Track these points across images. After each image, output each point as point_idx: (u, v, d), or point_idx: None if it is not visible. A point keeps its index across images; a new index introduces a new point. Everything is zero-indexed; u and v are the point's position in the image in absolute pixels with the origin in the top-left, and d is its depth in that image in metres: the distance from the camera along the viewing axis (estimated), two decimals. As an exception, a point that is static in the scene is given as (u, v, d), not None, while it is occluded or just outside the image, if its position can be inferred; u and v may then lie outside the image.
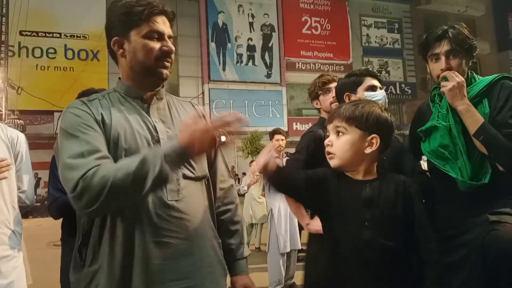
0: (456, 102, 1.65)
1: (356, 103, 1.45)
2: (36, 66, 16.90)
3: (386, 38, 22.87)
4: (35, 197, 2.27)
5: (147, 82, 1.33)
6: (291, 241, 4.55)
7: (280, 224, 4.52)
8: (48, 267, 3.71)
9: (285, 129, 17.35)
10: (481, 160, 1.63)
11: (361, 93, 1.91)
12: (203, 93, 18.97)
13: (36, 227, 9.89)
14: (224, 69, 19.49)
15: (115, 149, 1.21)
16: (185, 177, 1.29)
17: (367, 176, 1.43)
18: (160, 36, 1.30)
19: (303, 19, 20.98)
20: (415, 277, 1.36)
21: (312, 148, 2.05)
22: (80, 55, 17.61)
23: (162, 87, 1.38)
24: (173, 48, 1.32)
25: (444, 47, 1.71)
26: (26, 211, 2.24)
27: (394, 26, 23.06)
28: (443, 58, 1.72)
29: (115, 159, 1.19)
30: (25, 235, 2.25)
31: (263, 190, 6.23)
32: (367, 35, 22.65)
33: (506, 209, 1.54)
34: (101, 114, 1.24)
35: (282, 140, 4.71)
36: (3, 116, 12.68)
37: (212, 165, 1.47)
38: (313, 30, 21.10)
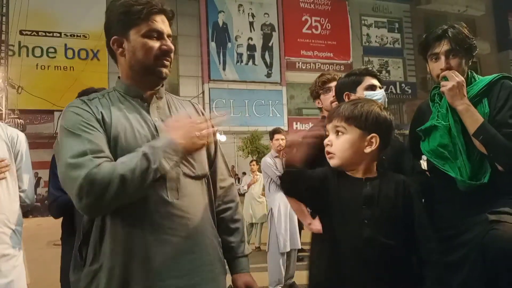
0: (456, 102, 1.65)
1: (355, 102, 1.45)
2: (36, 65, 16.91)
3: (387, 38, 22.86)
4: (35, 196, 2.28)
5: (146, 81, 1.33)
6: (291, 241, 4.55)
7: (280, 223, 4.52)
8: (48, 267, 3.71)
9: (285, 128, 17.38)
10: (481, 159, 1.63)
11: (361, 92, 1.91)
12: (203, 92, 18.97)
13: (36, 227, 9.90)
14: (224, 69, 19.49)
15: (115, 148, 1.21)
16: (185, 175, 1.29)
17: (367, 175, 1.43)
18: (159, 35, 1.30)
19: (303, 18, 20.98)
20: (415, 277, 1.36)
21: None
22: (80, 54, 17.62)
23: (162, 86, 1.38)
24: (173, 47, 1.32)
25: (444, 46, 1.71)
26: (26, 210, 2.25)
27: (395, 25, 23.05)
28: (443, 58, 1.72)
29: (115, 158, 1.19)
30: (25, 235, 2.25)
31: (263, 189, 6.23)
32: (367, 34, 22.64)
33: (505, 209, 1.54)
34: (101, 113, 1.24)
35: (282, 139, 4.70)
36: (3, 116, 12.69)
37: (212, 164, 1.47)
38: (313, 30, 21.10)
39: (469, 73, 1.77)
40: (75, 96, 1.97)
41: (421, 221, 1.40)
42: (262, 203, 6.77)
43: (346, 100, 1.91)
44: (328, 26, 21.29)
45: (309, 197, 1.50)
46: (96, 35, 15.50)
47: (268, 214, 4.78)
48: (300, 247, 4.82)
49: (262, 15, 20.40)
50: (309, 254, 1.77)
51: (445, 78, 1.69)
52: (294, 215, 4.61)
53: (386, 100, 1.90)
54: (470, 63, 1.77)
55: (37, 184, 13.96)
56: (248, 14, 20.26)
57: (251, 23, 20.26)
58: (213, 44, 19.45)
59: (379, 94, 1.89)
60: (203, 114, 1.50)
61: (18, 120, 13.20)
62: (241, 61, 19.85)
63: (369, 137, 1.39)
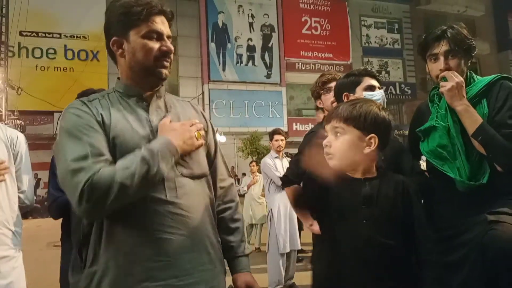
0: (455, 102, 1.65)
1: (354, 102, 1.45)
2: (36, 66, 16.91)
3: (386, 39, 22.88)
4: (34, 197, 2.27)
5: (146, 82, 1.33)
6: (291, 242, 4.55)
7: (280, 224, 4.52)
8: (48, 268, 3.71)
9: (285, 129, 17.38)
10: (480, 160, 1.63)
11: (360, 93, 1.91)
12: (203, 93, 18.98)
13: (36, 228, 9.90)
14: (224, 70, 19.49)
15: (115, 149, 1.21)
16: (184, 175, 1.30)
17: (366, 175, 1.43)
18: (159, 36, 1.30)
19: (303, 19, 20.99)
20: (415, 277, 1.36)
21: None
22: (80, 55, 17.62)
23: (162, 86, 1.39)
24: (172, 48, 1.33)
25: (443, 47, 1.72)
26: (26, 211, 2.25)
27: (394, 26, 23.06)
28: (442, 58, 1.72)
29: (115, 158, 1.19)
30: (25, 236, 2.25)
31: (263, 190, 6.23)
32: (367, 35, 22.65)
33: (504, 209, 1.54)
34: (101, 114, 1.24)
35: (281, 140, 4.71)
36: (3, 117, 12.68)
37: (211, 164, 1.47)
38: (313, 31, 21.11)
39: (468, 73, 1.77)
40: (75, 97, 1.97)
41: (420, 221, 1.40)
42: (262, 204, 6.77)
43: (345, 100, 1.91)
44: (328, 27, 21.30)
45: (309, 198, 1.51)
46: (96, 36, 15.51)
47: (267, 215, 4.77)
48: (300, 248, 4.83)
49: (261, 15, 20.41)
50: (311, 254, 1.78)
51: (444, 79, 1.69)
52: (294, 216, 4.61)
53: (385, 100, 1.90)
54: (469, 64, 1.77)
55: (36, 185, 13.94)
56: (248, 14, 20.27)
57: (250, 24, 20.26)
58: (212, 45, 19.46)
59: (378, 95, 1.89)
60: (202, 114, 1.51)
61: (17, 121, 13.19)
62: (241, 62, 19.86)
63: (368, 137, 1.39)
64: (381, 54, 22.66)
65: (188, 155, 1.29)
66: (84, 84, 12.18)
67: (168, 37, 1.33)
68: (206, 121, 1.49)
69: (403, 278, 1.35)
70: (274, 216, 4.55)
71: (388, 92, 20.46)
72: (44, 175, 10.26)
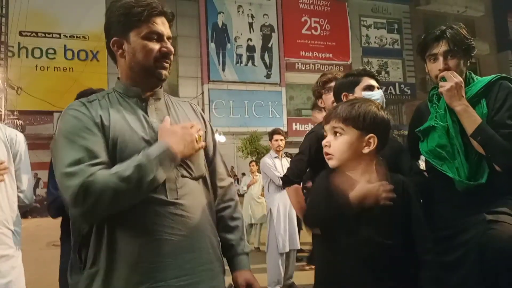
0: (454, 103, 1.65)
1: (352, 102, 1.46)
2: (36, 66, 16.89)
3: (386, 39, 22.86)
4: (34, 197, 2.28)
5: (146, 82, 1.33)
6: (290, 241, 4.56)
7: (279, 224, 4.52)
8: (47, 267, 3.71)
9: (285, 129, 17.37)
10: (479, 160, 1.63)
11: (359, 93, 1.91)
12: (202, 93, 18.97)
13: (35, 227, 9.89)
14: (223, 70, 19.48)
15: (114, 150, 1.21)
16: (183, 176, 1.30)
17: (365, 175, 1.43)
18: (159, 37, 1.30)
19: (302, 19, 20.98)
20: (414, 276, 1.36)
21: (314, 148, 2.05)
22: (79, 55, 17.60)
23: (160, 87, 1.39)
24: (172, 49, 1.33)
25: (442, 47, 1.72)
26: (25, 211, 2.25)
27: (394, 26, 23.05)
28: (441, 59, 1.72)
29: (114, 159, 1.19)
30: (24, 235, 2.25)
31: (263, 190, 6.23)
32: (367, 35, 22.64)
33: (503, 209, 1.54)
34: (100, 116, 1.24)
35: (281, 140, 4.72)
36: (3, 117, 12.68)
37: (210, 164, 1.48)
38: (313, 31, 21.10)
39: (468, 73, 1.77)
40: (75, 97, 1.98)
41: (419, 221, 1.40)
42: (261, 204, 6.77)
43: (344, 100, 1.91)
44: (328, 27, 21.29)
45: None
46: (96, 36, 15.50)
47: (267, 215, 4.78)
48: (299, 248, 4.83)
49: (261, 16, 20.41)
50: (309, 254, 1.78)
51: (443, 79, 1.69)
52: (293, 215, 4.62)
53: (384, 100, 1.91)
54: (468, 64, 1.77)
55: (36, 185, 13.94)
56: (248, 15, 20.26)
57: (250, 24, 20.26)
58: (212, 45, 19.45)
59: (377, 94, 1.89)
60: (202, 115, 1.51)
61: (17, 121, 13.18)
62: (241, 62, 19.85)
63: (367, 137, 1.40)
64: (380, 54, 22.65)
65: (187, 158, 1.30)
66: (83, 84, 12.15)
67: (168, 38, 1.33)
68: (205, 122, 1.50)
69: (402, 278, 1.36)
70: (274, 216, 4.55)
71: (388, 92, 20.46)
72: (44, 175, 10.23)
